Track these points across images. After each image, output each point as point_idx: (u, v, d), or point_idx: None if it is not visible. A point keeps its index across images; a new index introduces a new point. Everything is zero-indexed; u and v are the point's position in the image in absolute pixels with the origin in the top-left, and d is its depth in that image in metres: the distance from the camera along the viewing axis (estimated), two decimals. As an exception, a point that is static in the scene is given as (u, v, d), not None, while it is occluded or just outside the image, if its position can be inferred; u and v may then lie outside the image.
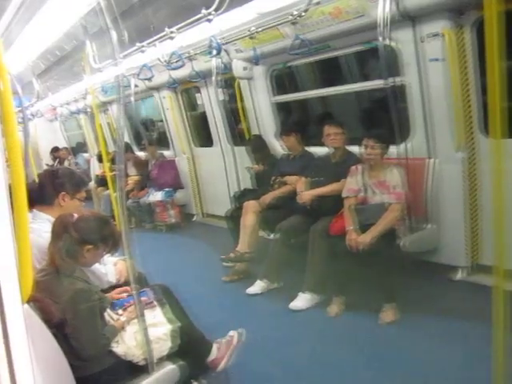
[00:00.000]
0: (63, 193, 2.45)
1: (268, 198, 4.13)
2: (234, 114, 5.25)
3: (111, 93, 6.61)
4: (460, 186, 3.34)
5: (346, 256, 3.09)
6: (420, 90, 3.33)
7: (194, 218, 6.67)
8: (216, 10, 3.27)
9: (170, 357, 2.10)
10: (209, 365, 2.32)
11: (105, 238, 2.10)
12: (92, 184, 7.55)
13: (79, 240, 2.03)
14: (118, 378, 1.99)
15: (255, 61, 4.26)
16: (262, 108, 4.82)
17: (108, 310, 2.15)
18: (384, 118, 3.57)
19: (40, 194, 2.41)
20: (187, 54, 4.66)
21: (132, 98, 5.88)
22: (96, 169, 8.37)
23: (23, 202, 1.17)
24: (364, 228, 3.13)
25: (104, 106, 7.72)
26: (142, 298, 2.16)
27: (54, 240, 2.03)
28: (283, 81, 4.95)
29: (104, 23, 2.02)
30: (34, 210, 2.39)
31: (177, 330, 2.12)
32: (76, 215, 2.13)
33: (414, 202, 3.37)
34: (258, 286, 3.71)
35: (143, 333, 1.99)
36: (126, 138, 7.54)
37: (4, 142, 1.18)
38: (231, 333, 2.51)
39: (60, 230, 2.04)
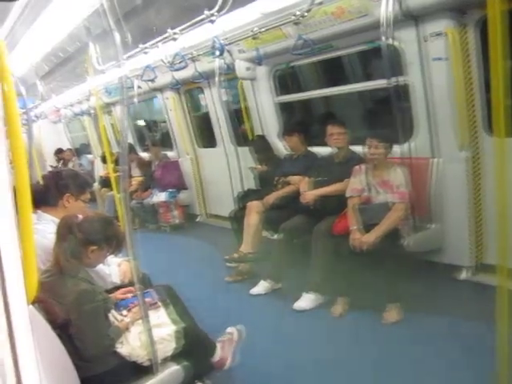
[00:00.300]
0: (68, 194, 2.47)
1: (271, 198, 4.13)
2: (238, 115, 5.25)
3: (115, 94, 6.62)
4: (464, 186, 3.32)
5: (350, 256, 3.09)
6: (423, 90, 3.32)
7: (198, 219, 6.67)
8: (219, 10, 3.28)
9: (175, 357, 2.10)
10: (214, 365, 2.33)
11: (109, 238, 2.11)
12: (96, 185, 7.57)
13: (84, 241, 2.04)
14: (123, 378, 1.99)
15: (258, 61, 4.26)
16: (265, 108, 4.82)
17: (112, 311, 2.16)
18: (387, 117, 3.57)
19: (44, 196, 2.43)
20: (190, 55, 4.66)
21: (135, 100, 5.90)
22: (100, 170, 8.40)
23: (27, 204, 1.17)
24: (368, 228, 3.13)
25: (107, 107, 7.74)
26: (146, 299, 2.17)
27: (59, 241, 2.04)
28: (286, 81, 4.95)
29: (107, 25, 2.02)
30: (39, 212, 2.41)
31: (181, 331, 2.13)
32: (80, 216, 2.14)
33: (417, 202, 3.37)
34: (261, 287, 3.71)
35: (147, 333, 2.00)
36: (130, 139, 7.56)
37: (8, 144, 1.18)
38: (229, 329, 2.51)
39: (64, 231, 2.05)
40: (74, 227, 2.04)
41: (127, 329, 2.09)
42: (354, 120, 4.58)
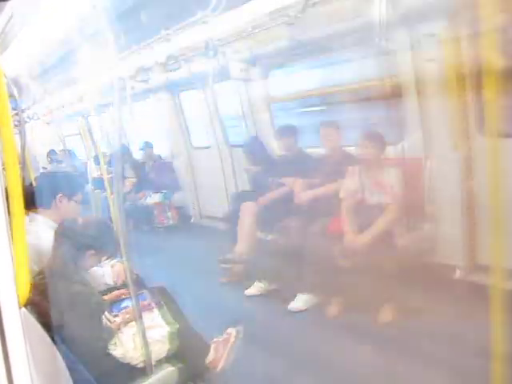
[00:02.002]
0: (60, 195, 2.45)
1: (265, 199, 4.12)
2: (232, 115, 5.24)
3: (108, 95, 6.58)
4: (457, 186, 3.33)
5: (344, 256, 3.08)
6: (416, 90, 3.33)
7: (192, 220, 6.66)
8: (212, 11, 3.28)
9: (169, 359, 2.10)
10: (208, 366, 2.32)
11: (107, 243, 2.11)
12: (89, 186, 7.52)
13: (83, 246, 2.03)
14: (116, 380, 1.99)
15: (252, 62, 4.25)
16: (259, 109, 4.82)
17: (106, 313, 2.15)
18: (381, 117, 3.57)
19: (37, 197, 2.41)
20: (184, 56, 4.65)
21: (129, 100, 5.87)
22: (93, 171, 8.34)
23: (20, 205, 1.17)
24: (362, 228, 3.13)
25: (101, 108, 7.69)
26: (140, 301, 2.16)
27: (57, 244, 2.03)
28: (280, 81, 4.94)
29: (101, 25, 2.02)
30: (31, 213, 2.39)
31: (175, 332, 2.12)
32: (80, 220, 2.13)
33: (411, 202, 3.37)
34: (256, 288, 3.70)
35: (141, 335, 1.99)
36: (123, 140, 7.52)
37: (0, 145, 1.18)
38: (229, 330, 2.51)
39: (63, 234, 2.04)
40: (74, 232, 2.03)
41: (119, 329, 2.08)
42: (347, 120, 4.58)
